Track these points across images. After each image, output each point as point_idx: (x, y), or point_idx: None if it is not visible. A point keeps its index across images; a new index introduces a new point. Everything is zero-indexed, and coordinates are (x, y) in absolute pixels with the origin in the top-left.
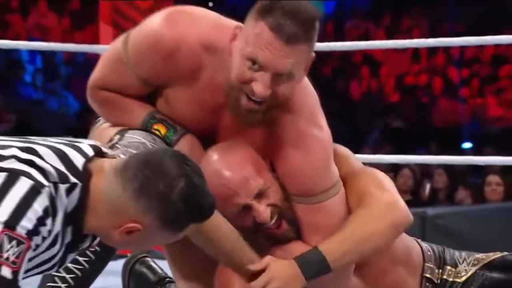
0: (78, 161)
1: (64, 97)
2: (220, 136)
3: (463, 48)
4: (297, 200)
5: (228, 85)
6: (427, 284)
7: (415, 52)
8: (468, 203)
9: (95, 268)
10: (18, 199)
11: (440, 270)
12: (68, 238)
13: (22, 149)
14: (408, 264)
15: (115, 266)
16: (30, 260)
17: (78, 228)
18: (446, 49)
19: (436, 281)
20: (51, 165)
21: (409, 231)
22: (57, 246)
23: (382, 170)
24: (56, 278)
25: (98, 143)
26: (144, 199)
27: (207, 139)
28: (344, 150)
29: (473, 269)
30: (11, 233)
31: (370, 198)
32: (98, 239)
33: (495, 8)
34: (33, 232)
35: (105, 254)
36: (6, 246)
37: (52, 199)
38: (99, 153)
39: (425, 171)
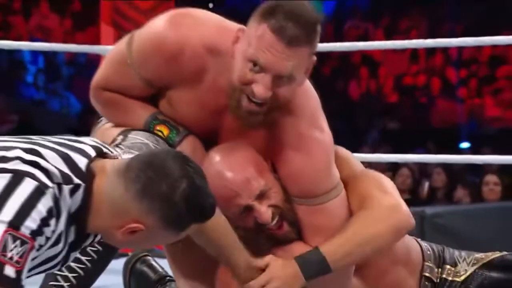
0: (81, 162)
1: (66, 97)
2: (222, 137)
3: (461, 49)
4: (298, 201)
5: (230, 86)
6: (426, 283)
7: (414, 52)
8: (466, 202)
9: (97, 267)
10: (22, 200)
11: (440, 269)
12: (71, 237)
13: (26, 150)
14: (408, 264)
15: (116, 264)
16: (33, 258)
17: (81, 228)
18: (444, 50)
19: (435, 280)
20: (55, 166)
21: None
22: (61, 245)
23: (380, 169)
24: (59, 277)
25: (99, 142)
26: (146, 200)
27: (209, 141)
28: (345, 152)
29: (472, 268)
30: (15, 233)
31: (372, 200)
32: (99, 236)
33: (495, 8)
34: (37, 232)
35: (107, 254)
36: (10, 245)
37: (56, 200)
38: (100, 153)
39: (424, 170)
